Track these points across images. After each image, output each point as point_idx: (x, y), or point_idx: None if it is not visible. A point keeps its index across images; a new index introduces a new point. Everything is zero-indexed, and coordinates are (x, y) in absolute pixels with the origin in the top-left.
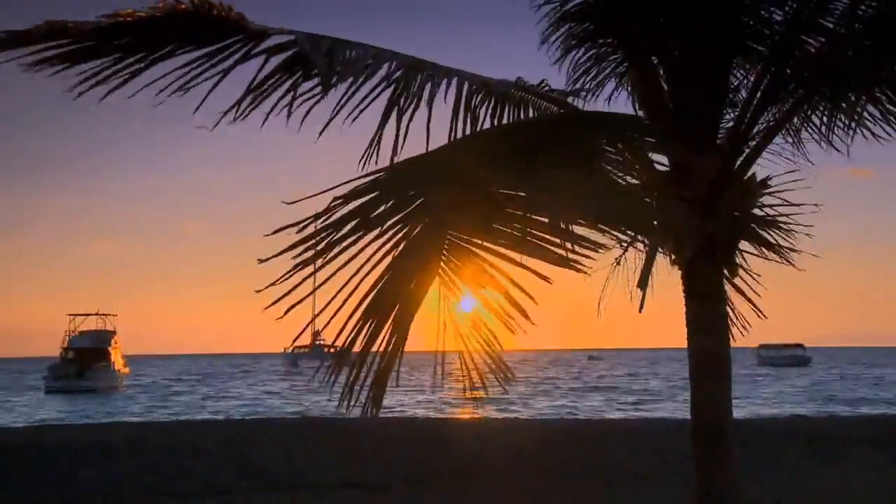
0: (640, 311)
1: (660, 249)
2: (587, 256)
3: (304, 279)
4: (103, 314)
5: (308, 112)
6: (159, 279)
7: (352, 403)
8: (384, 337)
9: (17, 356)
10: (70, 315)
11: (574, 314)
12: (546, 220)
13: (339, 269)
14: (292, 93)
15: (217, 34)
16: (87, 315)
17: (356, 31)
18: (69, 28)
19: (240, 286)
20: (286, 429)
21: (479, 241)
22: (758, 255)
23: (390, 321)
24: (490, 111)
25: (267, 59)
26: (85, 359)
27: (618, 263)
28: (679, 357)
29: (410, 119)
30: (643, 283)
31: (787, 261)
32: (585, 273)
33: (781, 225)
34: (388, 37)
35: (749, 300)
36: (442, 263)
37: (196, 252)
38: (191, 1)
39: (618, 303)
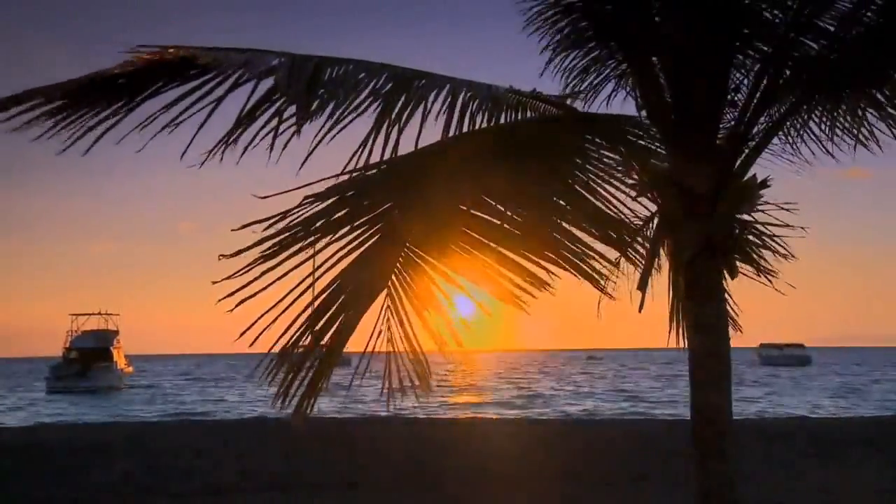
0: (639, 312)
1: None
2: (530, 293)
3: (263, 273)
4: (105, 314)
5: (286, 144)
6: (158, 279)
7: (286, 404)
8: (325, 341)
9: (19, 356)
10: (72, 315)
11: (572, 314)
12: (501, 252)
13: (296, 267)
14: (277, 118)
15: (201, 70)
16: (90, 315)
17: (348, 35)
18: (51, 88)
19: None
20: (286, 429)
21: (433, 261)
22: (744, 273)
23: (334, 327)
24: (486, 117)
25: (256, 85)
26: (87, 359)
27: (617, 265)
28: (678, 357)
29: (401, 132)
30: (643, 285)
31: (769, 279)
32: (526, 312)
33: (768, 246)
34: (378, 39)
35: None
36: (393, 277)
37: (195, 251)
38: (166, 53)
39: (616, 303)
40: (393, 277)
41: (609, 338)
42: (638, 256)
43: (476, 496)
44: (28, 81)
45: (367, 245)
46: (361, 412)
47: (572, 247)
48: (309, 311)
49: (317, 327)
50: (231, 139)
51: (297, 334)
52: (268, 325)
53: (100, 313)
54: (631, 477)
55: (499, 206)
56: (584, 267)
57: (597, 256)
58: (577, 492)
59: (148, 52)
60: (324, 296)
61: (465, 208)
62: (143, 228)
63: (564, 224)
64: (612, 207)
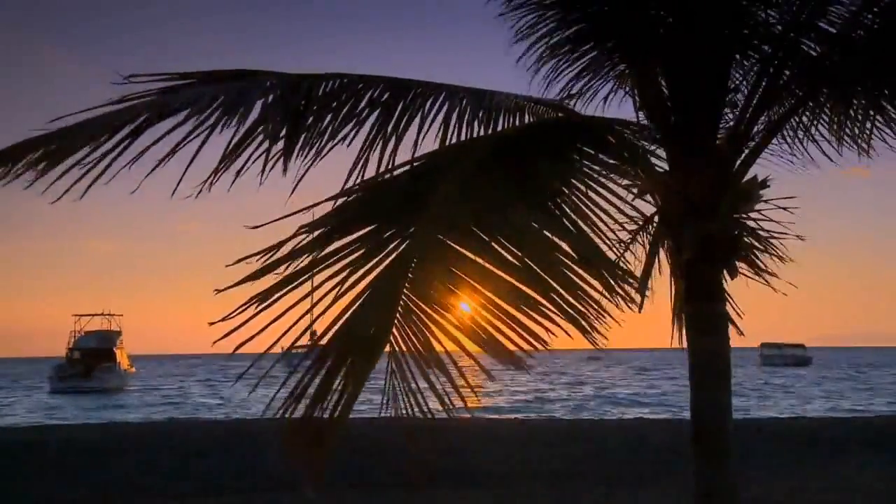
0: (639, 312)
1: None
2: (528, 354)
3: (259, 311)
4: (109, 314)
5: (273, 166)
6: (159, 279)
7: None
8: (337, 387)
9: (20, 356)
10: (76, 315)
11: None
12: (497, 303)
13: (292, 307)
14: (269, 141)
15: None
16: (93, 315)
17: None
18: (41, 139)
19: (240, 285)
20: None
21: (431, 313)
22: (744, 274)
23: (345, 371)
24: (485, 123)
25: (245, 116)
26: (91, 359)
27: (616, 266)
28: (678, 358)
29: (398, 142)
30: (642, 287)
31: (766, 282)
32: (526, 371)
33: (767, 247)
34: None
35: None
36: (395, 331)
37: (194, 251)
38: (152, 102)
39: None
40: (395, 332)
41: (608, 338)
42: (629, 298)
43: (476, 496)
44: (49, 95)
45: (361, 285)
46: (361, 412)
47: (566, 294)
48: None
49: (331, 365)
50: (223, 167)
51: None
52: (270, 368)
53: (103, 314)
54: (631, 477)
55: (485, 237)
56: (578, 318)
57: (591, 303)
58: (577, 492)
59: (139, 85)
60: (326, 337)
61: (456, 245)
62: (145, 228)
63: (557, 264)
64: (603, 235)
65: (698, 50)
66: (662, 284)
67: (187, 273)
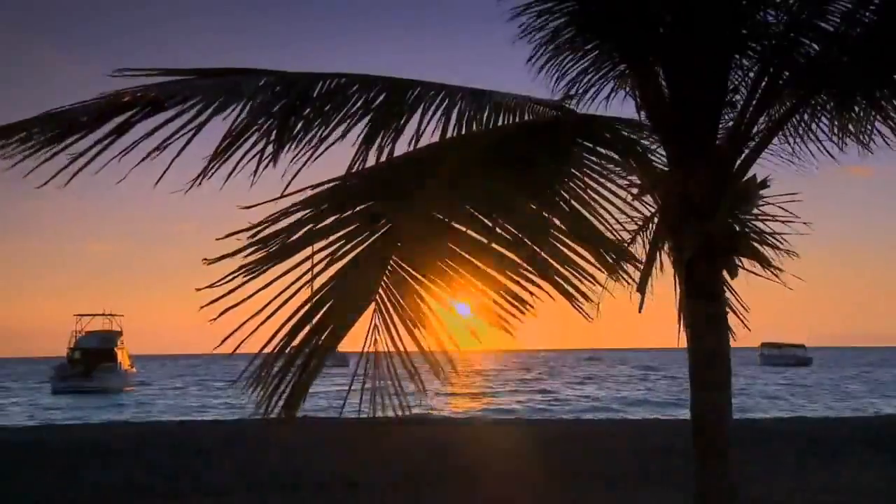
0: (639, 312)
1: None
2: (514, 316)
3: (246, 282)
4: (110, 315)
5: (266, 165)
6: (158, 279)
7: (269, 409)
8: (310, 351)
9: (20, 356)
10: (77, 315)
11: (570, 314)
12: (486, 271)
13: (279, 277)
14: (265, 139)
15: (182, 99)
16: (94, 315)
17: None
18: (32, 122)
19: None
20: (285, 429)
21: (420, 277)
22: (748, 270)
23: (319, 338)
24: (484, 122)
25: (241, 112)
26: (92, 359)
27: (617, 265)
28: (679, 357)
29: (396, 139)
30: (642, 286)
31: (775, 276)
32: (510, 334)
33: (774, 241)
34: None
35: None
36: (381, 292)
37: (194, 251)
38: (146, 92)
39: (616, 303)
40: (381, 292)
41: (606, 338)
42: (627, 276)
43: (476, 496)
44: (49, 95)
45: (352, 255)
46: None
47: (558, 266)
48: (293, 319)
49: (300, 337)
50: (216, 164)
51: (281, 343)
52: (252, 331)
53: (104, 314)
54: (631, 477)
55: (486, 220)
56: (567, 287)
57: (584, 275)
58: (577, 492)
59: (131, 78)
60: (307, 306)
61: (449, 220)
62: (144, 228)
63: (553, 241)
64: (605, 221)
65: (698, 50)
66: (663, 284)
67: (188, 273)
